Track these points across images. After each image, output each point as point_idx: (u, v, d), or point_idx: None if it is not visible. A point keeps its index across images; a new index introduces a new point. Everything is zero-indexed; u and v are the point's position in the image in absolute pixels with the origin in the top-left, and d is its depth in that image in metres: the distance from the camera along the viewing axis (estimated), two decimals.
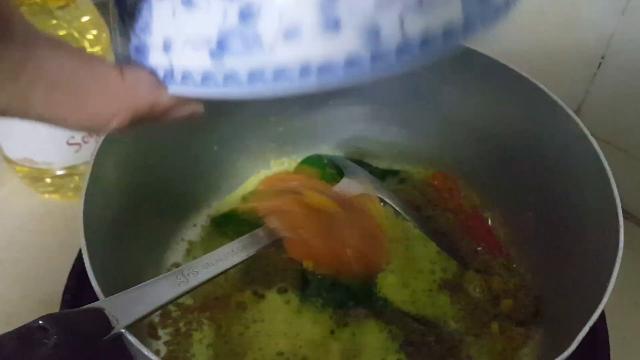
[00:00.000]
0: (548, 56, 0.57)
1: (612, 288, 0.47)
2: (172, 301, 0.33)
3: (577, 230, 0.40)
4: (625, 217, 0.59)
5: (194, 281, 0.34)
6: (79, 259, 0.46)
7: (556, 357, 0.29)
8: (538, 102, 0.42)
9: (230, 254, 0.37)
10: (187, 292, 0.34)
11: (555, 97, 0.41)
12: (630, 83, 0.53)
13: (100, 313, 0.29)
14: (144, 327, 0.43)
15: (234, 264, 0.37)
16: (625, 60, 0.52)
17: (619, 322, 0.51)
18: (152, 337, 0.43)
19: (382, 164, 0.56)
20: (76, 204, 0.59)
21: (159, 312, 0.45)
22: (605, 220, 0.36)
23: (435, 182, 0.54)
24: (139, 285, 0.32)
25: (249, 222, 0.50)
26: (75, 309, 0.29)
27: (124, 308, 0.30)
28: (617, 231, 0.33)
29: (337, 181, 0.48)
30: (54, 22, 0.50)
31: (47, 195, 0.60)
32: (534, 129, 0.44)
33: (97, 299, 0.31)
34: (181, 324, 0.44)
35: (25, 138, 0.54)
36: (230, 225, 0.51)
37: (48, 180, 0.58)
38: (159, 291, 0.32)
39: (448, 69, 0.47)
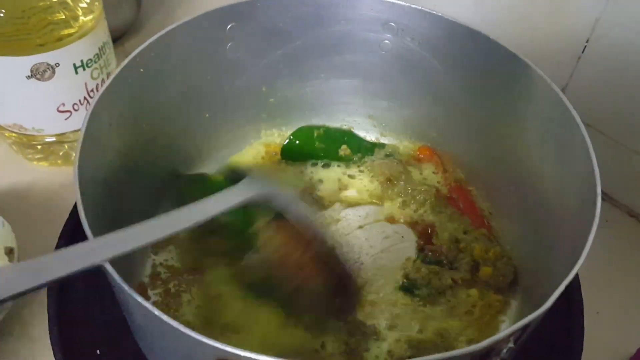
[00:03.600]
0: (535, 39, 0.58)
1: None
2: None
3: (556, 205, 0.42)
4: (602, 199, 0.61)
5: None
6: (70, 219, 0.47)
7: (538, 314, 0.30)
8: (523, 77, 0.43)
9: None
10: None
11: (540, 72, 0.42)
12: (613, 67, 0.54)
13: None
14: (134, 287, 0.44)
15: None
16: (610, 44, 0.53)
17: (594, 298, 0.52)
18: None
19: (370, 137, 0.58)
20: (65, 171, 0.59)
21: (149, 273, 0.46)
22: (583, 196, 0.37)
23: (421, 156, 0.55)
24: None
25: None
26: None
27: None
28: (594, 204, 0.34)
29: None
30: None
31: (35, 162, 0.60)
32: (519, 105, 0.45)
33: None
34: (170, 285, 0.45)
35: (15, 103, 0.54)
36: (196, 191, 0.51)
37: (38, 147, 0.58)
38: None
39: (438, 44, 0.48)
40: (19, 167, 0.60)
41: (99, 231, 0.33)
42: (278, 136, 0.57)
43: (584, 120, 0.57)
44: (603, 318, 0.52)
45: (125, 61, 0.40)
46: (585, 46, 0.55)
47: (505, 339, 0.29)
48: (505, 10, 0.59)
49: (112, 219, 0.39)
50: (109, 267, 0.30)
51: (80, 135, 0.36)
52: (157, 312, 0.28)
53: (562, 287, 0.30)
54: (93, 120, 0.37)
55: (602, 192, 0.60)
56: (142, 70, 0.42)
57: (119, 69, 0.39)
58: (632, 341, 0.50)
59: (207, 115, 0.51)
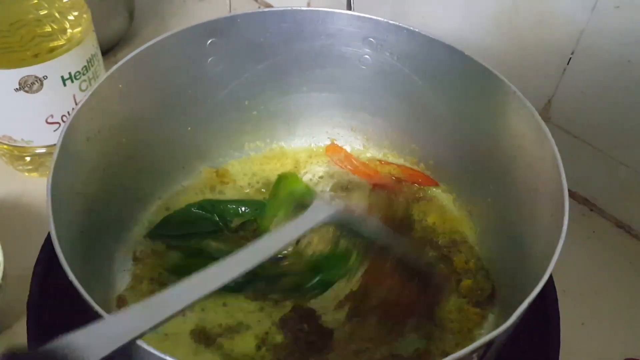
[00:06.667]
0: (520, 51, 0.59)
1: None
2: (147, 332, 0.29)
3: (529, 218, 0.42)
4: (590, 209, 0.62)
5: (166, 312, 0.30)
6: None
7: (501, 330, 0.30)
8: (498, 93, 0.44)
9: (205, 283, 0.32)
10: (162, 323, 0.30)
11: (514, 88, 0.42)
12: (598, 79, 0.54)
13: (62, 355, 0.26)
14: (113, 300, 0.44)
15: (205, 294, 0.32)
16: (594, 56, 0.53)
17: (580, 309, 0.53)
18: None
19: (353, 148, 0.58)
20: None
21: (130, 283, 0.46)
22: (553, 211, 0.37)
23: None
24: (108, 316, 0.30)
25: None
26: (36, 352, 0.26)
27: (91, 345, 0.27)
28: (561, 224, 0.34)
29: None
30: (35, 1, 0.51)
31: (26, 174, 0.61)
32: (494, 119, 0.45)
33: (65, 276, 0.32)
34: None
35: (4, 115, 0.54)
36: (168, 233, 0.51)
37: (27, 158, 0.59)
38: (131, 323, 0.29)
39: (416, 59, 0.48)
40: (9, 178, 0.60)
41: (71, 245, 0.33)
42: (263, 149, 0.57)
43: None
44: (588, 329, 0.53)
45: (102, 77, 0.41)
46: (571, 58, 0.55)
47: (467, 356, 0.29)
48: (492, 22, 0.59)
49: (88, 232, 0.40)
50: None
51: (56, 150, 0.36)
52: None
53: (526, 305, 0.31)
54: (69, 135, 0.37)
55: (590, 203, 0.61)
56: (120, 86, 0.42)
57: (95, 85, 0.40)
58: (617, 352, 0.50)
59: (189, 128, 0.51)
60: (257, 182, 0.56)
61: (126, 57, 0.42)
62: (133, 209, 0.49)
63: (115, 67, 0.42)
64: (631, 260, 0.58)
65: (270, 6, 0.83)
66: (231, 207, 0.52)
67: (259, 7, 0.84)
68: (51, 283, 0.44)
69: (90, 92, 0.40)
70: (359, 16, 0.47)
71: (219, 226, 0.51)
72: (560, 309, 0.46)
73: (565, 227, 0.34)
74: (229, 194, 0.54)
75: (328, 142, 0.59)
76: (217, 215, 0.51)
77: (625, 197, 0.59)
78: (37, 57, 0.51)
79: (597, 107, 0.56)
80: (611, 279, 0.57)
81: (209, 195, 0.54)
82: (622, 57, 0.52)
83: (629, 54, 0.51)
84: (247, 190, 0.55)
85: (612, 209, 0.61)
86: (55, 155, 0.36)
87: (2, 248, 0.48)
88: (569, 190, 0.37)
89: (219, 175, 0.55)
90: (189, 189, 0.54)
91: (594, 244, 0.59)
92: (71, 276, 0.30)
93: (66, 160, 0.37)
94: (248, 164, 0.57)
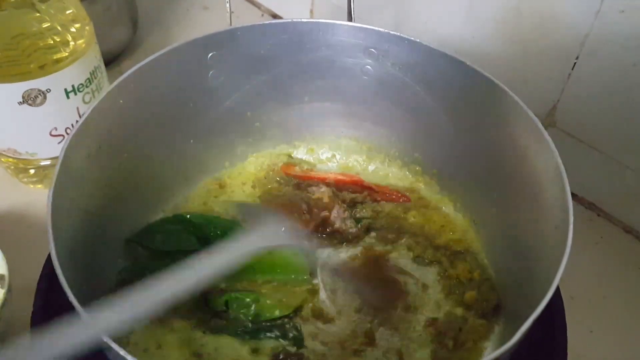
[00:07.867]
0: (525, 56, 0.58)
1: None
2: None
3: (536, 226, 0.41)
4: (598, 215, 0.61)
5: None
6: None
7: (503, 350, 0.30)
8: (500, 102, 0.43)
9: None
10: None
11: (517, 98, 0.42)
12: (603, 83, 0.54)
13: None
14: None
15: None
16: (599, 60, 0.53)
17: (587, 316, 0.52)
18: None
19: (357, 158, 0.58)
20: None
21: None
22: (559, 216, 0.37)
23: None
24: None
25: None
26: None
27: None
28: (567, 225, 0.34)
29: None
30: (37, 14, 0.51)
31: (31, 186, 0.61)
32: (497, 129, 0.45)
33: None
34: None
35: (8, 129, 0.55)
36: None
37: (32, 170, 0.59)
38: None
39: (417, 69, 0.48)
40: (14, 191, 0.60)
41: (72, 261, 0.33)
42: (265, 159, 0.57)
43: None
44: (597, 336, 0.52)
45: (102, 94, 0.41)
46: (575, 63, 0.55)
47: None
48: (495, 26, 0.59)
49: (90, 247, 0.40)
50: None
51: (56, 168, 0.36)
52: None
53: (530, 322, 0.30)
54: (70, 152, 0.37)
55: (597, 208, 0.61)
56: (121, 101, 0.42)
57: (95, 102, 0.40)
58: None
59: (191, 141, 0.51)
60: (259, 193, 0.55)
61: (126, 73, 0.42)
62: (135, 222, 0.49)
63: (115, 83, 0.42)
64: None
65: (275, 14, 0.83)
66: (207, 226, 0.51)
67: (262, 15, 0.84)
68: (55, 296, 0.44)
69: (90, 109, 0.40)
70: (360, 27, 0.47)
71: (196, 246, 0.49)
72: (568, 317, 0.45)
73: (570, 239, 0.34)
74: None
75: (329, 155, 0.58)
76: (194, 231, 0.50)
77: (633, 202, 0.59)
78: (40, 70, 0.51)
79: (602, 112, 0.56)
80: (620, 285, 0.56)
81: (211, 206, 0.53)
82: (627, 61, 0.51)
83: (634, 57, 0.51)
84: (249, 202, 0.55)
85: (620, 214, 0.60)
86: (55, 173, 0.36)
87: (7, 260, 0.49)
88: (575, 196, 0.37)
89: (222, 187, 0.55)
90: (191, 200, 0.54)
91: (602, 250, 0.59)
92: (71, 297, 0.30)
93: (67, 176, 0.37)
94: (250, 175, 0.57)
